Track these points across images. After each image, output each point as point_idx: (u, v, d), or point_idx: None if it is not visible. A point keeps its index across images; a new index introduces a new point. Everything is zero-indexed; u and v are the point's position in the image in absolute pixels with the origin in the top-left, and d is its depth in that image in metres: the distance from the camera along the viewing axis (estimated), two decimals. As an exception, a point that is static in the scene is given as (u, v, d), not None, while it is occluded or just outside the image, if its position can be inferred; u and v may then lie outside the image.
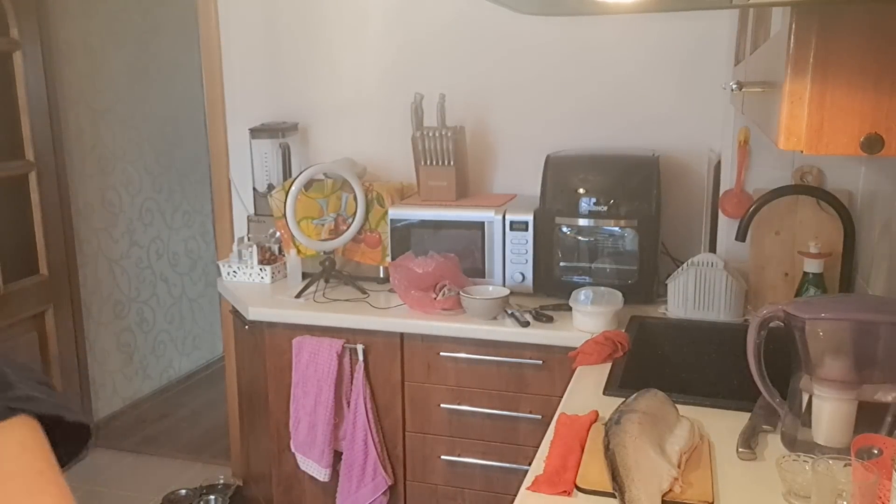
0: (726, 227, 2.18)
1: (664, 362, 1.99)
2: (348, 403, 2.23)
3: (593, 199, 2.17)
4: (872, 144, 0.88)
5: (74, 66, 3.38)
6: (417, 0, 2.59)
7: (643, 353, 1.90)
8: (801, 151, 0.91)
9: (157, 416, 3.77)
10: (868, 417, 1.23)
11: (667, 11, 2.28)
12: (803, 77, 0.89)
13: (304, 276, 2.49)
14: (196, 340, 4.26)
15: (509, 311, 2.11)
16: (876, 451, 1.09)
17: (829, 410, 1.25)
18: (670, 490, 1.17)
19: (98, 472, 3.26)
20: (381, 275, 2.47)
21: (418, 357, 2.17)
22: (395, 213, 2.38)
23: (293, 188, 2.35)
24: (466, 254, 2.29)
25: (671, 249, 2.38)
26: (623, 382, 1.64)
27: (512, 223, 2.25)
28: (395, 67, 2.66)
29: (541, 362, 2.05)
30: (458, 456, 2.18)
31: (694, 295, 2.06)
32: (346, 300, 2.32)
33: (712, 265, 2.05)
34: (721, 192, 2.21)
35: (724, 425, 1.40)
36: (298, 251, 2.49)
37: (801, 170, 2.08)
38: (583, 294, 2.04)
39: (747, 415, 1.42)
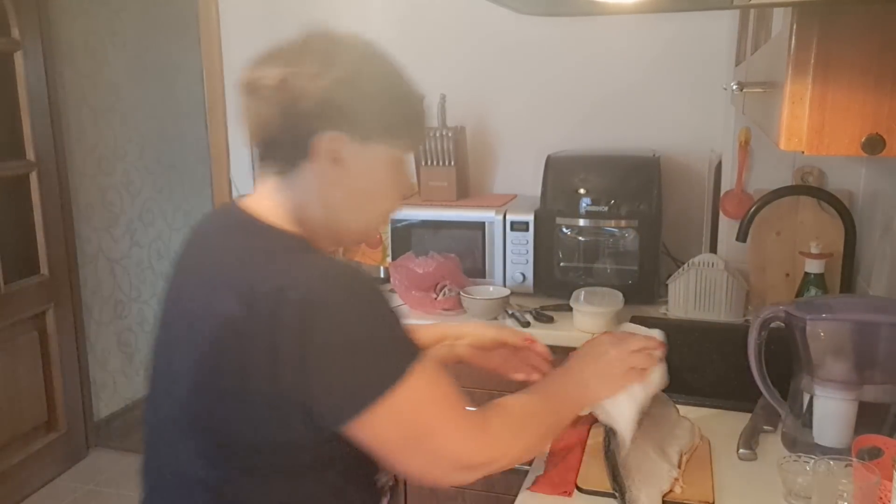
0: (727, 228, 2.18)
1: (664, 363, 1.99)
2: (349, 403, 2.23)
3: (594, 200, 2.17)
4: (873, 145, 0.88)
5: (75, 65, 3.38)
6: (418, 1, 2.59)
7: (644, 353, 1.89)
8: (803, 152, 0.91)
9: (158, 415, 3.77)
10: (869, 418, 1.23)
11: (667, 12, 2.28)
12: (804, 77, 0.89)
13: (305, 276, 2.49)
14: (196, 340, 4.26)
15: (510, 312, 2.11)
16: (877, 452, 1.09)
17: (829, 411, 1.25)
18: (671, 490, 1.17)
19: (99, 472, 3.26)
20: (382, 275, 2.46)
21: (419, 357, 2.16)
22: (396, 213, 2.38)
23: (294, 188, 2.35)
24: (467, 254, 2.29)
25: (672, 250, 2.38)
26: (624, 383, 1.63)
27: (512, 223, 2.25)
28: (396, 67, 2.65)
29: (541, 362, 2.04)
30: (459, 456, 2.18)
31: (695, 295, 2.06)
32: (347, 300, 2.31)
33: (713, 265, 2.05)
34: (722, 192, 2.20)
35: (724, 426, 1.40)
36: (299, 251, 2.49)
37: (802, 170, 2.08)
38: (583, 294, 2.04)
39: (748, 415, 1.42)
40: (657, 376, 1.20)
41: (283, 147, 0.99)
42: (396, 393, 0.89)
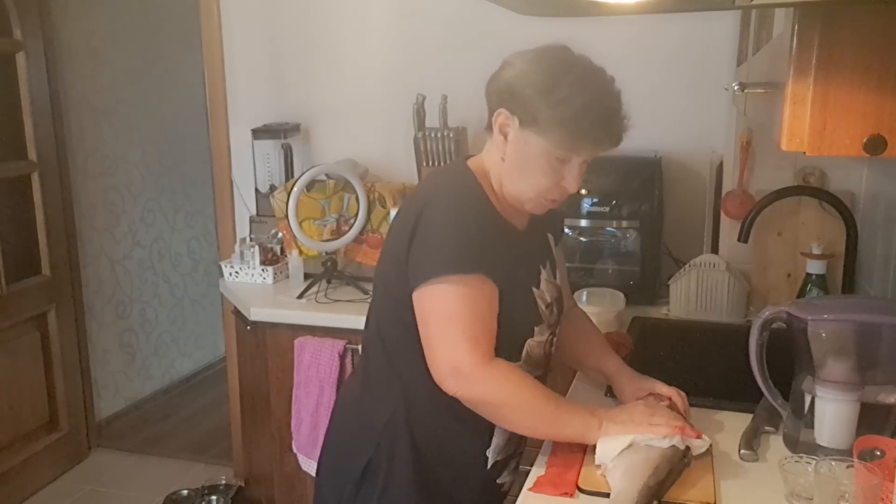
0: (728, 229, 2.18)
1: (666, 363, 1.98)
2: (350, 404, 2.23)
3: (595, 200, 2.17)
4: (875, 145, 0.88)
5: (77, 66, 3.39)
6: (419, 1, 2.59)
7: (645, 353, 1.89)
8: (804, 152, 0.91)
9: (159, 416, 3.77)
10: (870, 419, 1.23)
11: (668, 12, 2.28)
12: (806, 78, 0.89)
13: (306, 276, 2.49)
14: (198, 341, 4.26)
15: (511, 312, 2.11)
16: (878, 453, 1.09)
17: (831, 412, 1.24)
18: (669, 472, 1.16)
19: (100, 473, 3.26)
20: (383, 275, 2.46)
21: (420, 358, 2.16)
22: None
23: (295, 189, 2.35)
24: (468, 254, 2.28)
25: (673, 250, 2.38)
26: (625, 383, 1.63)
27: (514, 224, 2.25)
28: (397, 68, 2.65)
29: (543, 363, 2.04)
30: (460, 457, 2.18)
31: (696, 296, 2.06)
32: (348, 301, 2.32)
33: (714, 266, 2.05)
34: (723, 193, 2.20)
35: (726, 426, 1.40)
36: (300, 252, 2.49)
37: (804, 171, 2.08)
38: (585, 295, 2.04)
39: (749, 416, 1.42)
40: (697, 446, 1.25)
41: (488, 114, 1.30)
42: (424, 288, 1.21)
